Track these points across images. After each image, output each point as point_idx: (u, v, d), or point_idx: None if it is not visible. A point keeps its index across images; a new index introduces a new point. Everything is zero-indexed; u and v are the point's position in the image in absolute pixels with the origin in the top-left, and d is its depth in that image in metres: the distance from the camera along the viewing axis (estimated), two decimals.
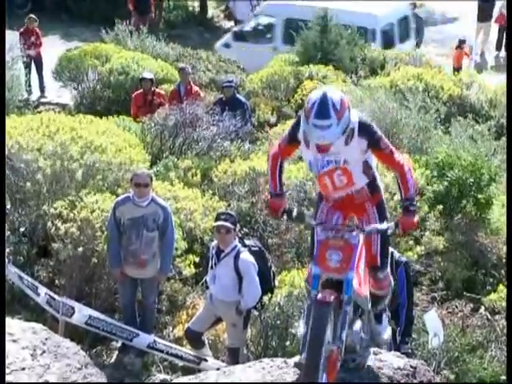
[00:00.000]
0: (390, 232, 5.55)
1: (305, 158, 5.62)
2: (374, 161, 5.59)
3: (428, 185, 10.95)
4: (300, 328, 5.56)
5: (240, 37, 22.51)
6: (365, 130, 5.33)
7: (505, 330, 8.63)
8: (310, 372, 4.90)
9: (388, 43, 21.78)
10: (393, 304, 7.43)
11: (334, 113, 5.06)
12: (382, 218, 5.61)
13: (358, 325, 5.55)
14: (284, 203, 5.67)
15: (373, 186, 5.63)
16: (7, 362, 6.16)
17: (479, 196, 11.00)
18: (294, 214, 5.61)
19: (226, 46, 22.43)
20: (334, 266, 5.27)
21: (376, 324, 5.98)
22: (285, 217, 5.69)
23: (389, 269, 5.87)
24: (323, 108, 5.06)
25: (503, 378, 8.22)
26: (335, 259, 5.27)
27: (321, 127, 5.05)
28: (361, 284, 5.46)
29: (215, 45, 22.78)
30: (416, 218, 5.48)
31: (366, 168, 5.52)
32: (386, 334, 6.17)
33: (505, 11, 24.13)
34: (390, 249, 7.57)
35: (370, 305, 5.80)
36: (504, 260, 10.57)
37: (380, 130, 5.49)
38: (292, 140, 5.54)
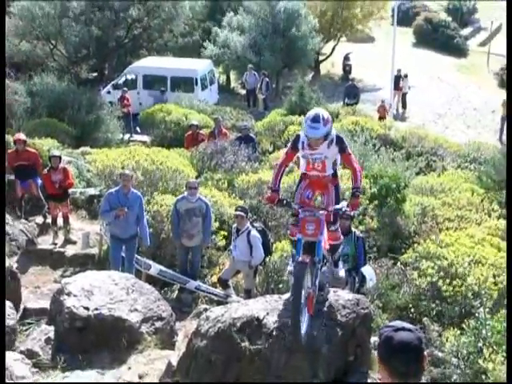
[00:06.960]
0: (343, 210, 5.47)
1: (302, 154, 5.51)
2: (339, 161, 5.55)
3: (367, 188, 10.89)
4: (289, 267, 5.53)
5: (116, 87, 21.51)
6: (339, 140, 5.35)
7: (412, 277, 8.48)
8: (296, 307, 4.83)
9: (203, 86, 21.92)
10: (354, 264, 7.47)
11: (322, 121, 5.16)
12: (337, 194, 5.51)
13: (324, 269, 5.48)
14: (278, 196, 5.48)
15: (335, 174, 5.54)
16: (111, 296, 6.14)
17: (398, 195, 10.92)
18: (284, 203, 5.54)
19: (108, 92, 21.32)
20: (310, 232, 5.17)
21: (335, 267, 5.89)
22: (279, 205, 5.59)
23: (338, 225, 5.65)
24: (317, 117, 5.19)
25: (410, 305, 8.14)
26: (311, 229, 5.16)
27: (313, 127, 5.15)
28: (324, 243, 5.39)
29: (101, 92, 20.98)
30: (359, 200, 5.40)
31: (334, 164, 5.48)
32: (341, 272, 6.03)
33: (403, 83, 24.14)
34: (353, 229, 7.55)
35: (330, 255, 5.74)
36: (413, 234, 10.49)
37: None
38: (293, 147, 5.47)
